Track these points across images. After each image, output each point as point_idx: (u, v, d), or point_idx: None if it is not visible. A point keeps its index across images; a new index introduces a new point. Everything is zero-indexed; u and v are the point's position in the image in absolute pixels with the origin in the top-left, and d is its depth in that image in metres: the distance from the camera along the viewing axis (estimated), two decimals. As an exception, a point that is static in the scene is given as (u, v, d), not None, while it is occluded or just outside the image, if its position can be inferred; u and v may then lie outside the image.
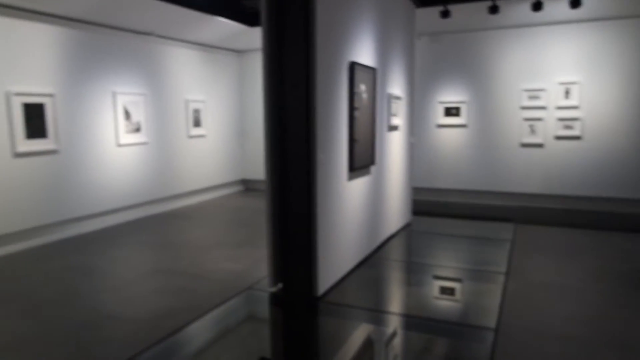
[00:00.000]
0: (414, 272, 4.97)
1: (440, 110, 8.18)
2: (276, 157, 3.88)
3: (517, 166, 7.78)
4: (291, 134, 3.84)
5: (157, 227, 6.71)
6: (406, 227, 6.49)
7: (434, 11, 6.80)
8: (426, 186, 8.38)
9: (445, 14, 6.97)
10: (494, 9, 6.77)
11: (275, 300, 3.98)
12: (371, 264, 4.96)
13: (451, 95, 8.09)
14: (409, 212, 6.71)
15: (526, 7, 6.65)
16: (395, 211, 6.06)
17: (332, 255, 4.14)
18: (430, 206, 8.13)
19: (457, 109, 8.06)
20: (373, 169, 5.12)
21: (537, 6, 6.50)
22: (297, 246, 3.93)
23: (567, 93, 7.35)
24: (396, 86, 5.82)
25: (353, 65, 4.34)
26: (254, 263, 4.90)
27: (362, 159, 4.71)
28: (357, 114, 4.50)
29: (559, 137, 7.48)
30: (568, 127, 7.40)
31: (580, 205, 7.46)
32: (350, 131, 4.40)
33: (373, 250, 5.24)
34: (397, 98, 5.80)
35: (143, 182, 7.18)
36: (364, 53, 4.69)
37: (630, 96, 7.02)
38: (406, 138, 6.40)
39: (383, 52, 5.29)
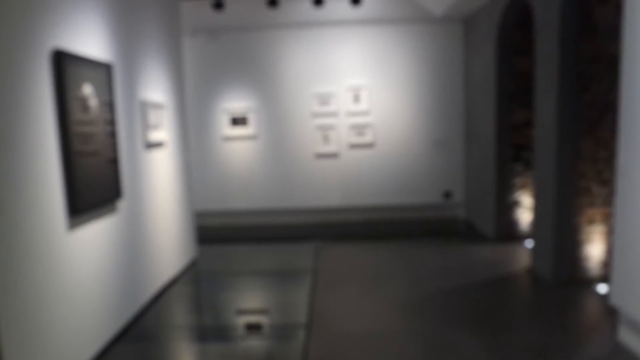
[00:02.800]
0: (189, 340, 3.66)
1: (225, 119, 7.03)
2: None
3: (313, 179, 7.09)
4: None
5: None
6: (190, 267, 5.14)
7: (206, 3, 5.62)
8: (215, 209, 7.15)
9: (218, 6, 5.84)
10: (272, 2, 5.90)
11: None
12: (134, 336, 3.49)
13: (237, 102, 7.01)
14: (192, 246, 5.36)
15: (307, 2, 5.93)
16: (171, 252, 4.66)
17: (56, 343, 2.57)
18: (222, 231, 6.93)
19: (244, 118, 7.01)
20: (122, 204, 3.65)
21: (317, 0, 5.83)
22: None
23: (356, 97, 6.92)
24: (154, 91, 4.43)
25: (60, 56, 2.83)
26: None
27: (96, 194, 3.21)
28: (79, 129, 3.00)
29: (353, 145, 7.01)
30: (360, 134, 6.98)
31: (378, 215, 7.11)
32: (66, 155, 2.88)
33: (136, 315, 3.76)
34: (157, 106, 4.42)
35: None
36: (87, 38, 3.20)
37: (415, 101, 6.90)
38: (179, 156, 5.04)
39: (127, 43, 3.85)
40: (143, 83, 4.17)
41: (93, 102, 3.21)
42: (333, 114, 6.95)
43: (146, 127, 4.14)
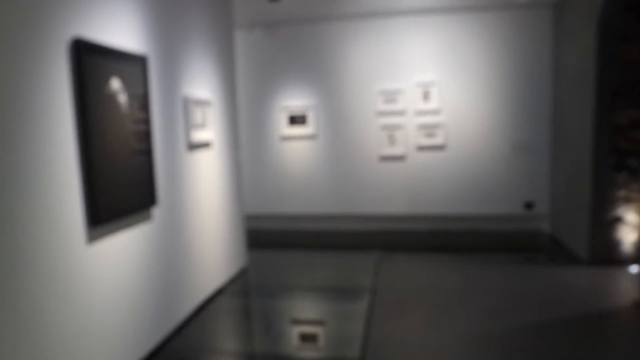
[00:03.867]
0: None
1: (283, 118, 6.61)
2: None
3: (376, 183, 6.49)
4: None
5: None
6: (238, 277, 4.75)
7: (261, -8, 5.21)
8: (270, 212, 6.76)
9: (275, -4, 5.40)
10: (334, -11, 5.37)
11: None
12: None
13: (295, 99, 6.57)
14: (242, 254, 4.97)
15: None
16: (215, 262, 4.28)
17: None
18: (277, 236, 6.52)
19: (303, 117, 6.55)
20: (158, 211, 3.28)
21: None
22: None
23: (426, 94, 6.23)
24: (200, 86, 4.05)
25: (81, 47, 2.48)
26: None
27: (124, 202, 2.85)
28: (104, 129, 2.65)
29: (421, 148, 6.33)
30: (430, 135, 6.28)
31: (448, 225, 6.39)
32: (86, 159, 2.52)
33: (170, 334, 3.39)
34: (203, 103, 4.04)
35: None
36: (116, 28, 2.84)
37: (494, 99, 6.10)
38: (228, 157, 4.66)
39: (168, 35, 3.49)
40: (187, 78, 3.79)
41: (122, 99, 2.85)
42: (400, 113, 6.32)
43: (189, 126, 3.76)
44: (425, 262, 5.19)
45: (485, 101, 6.11)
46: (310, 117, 6.52)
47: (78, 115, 2.49)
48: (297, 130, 6.57)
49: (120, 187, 2.81)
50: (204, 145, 4.09)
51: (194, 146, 3.88)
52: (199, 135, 3.94)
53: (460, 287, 4.34)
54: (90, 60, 2.55)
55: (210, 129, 4.16)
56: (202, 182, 4.03)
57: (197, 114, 3.93)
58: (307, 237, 6.48)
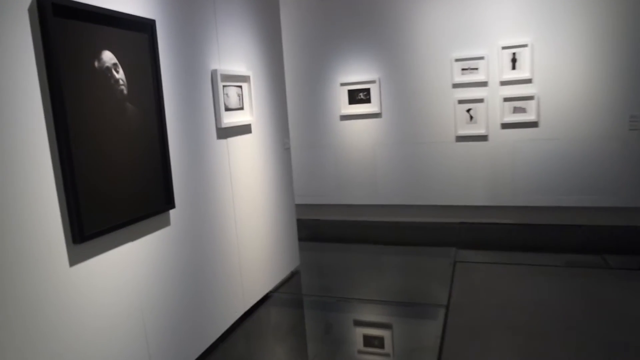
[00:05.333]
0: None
1: (343, 95, 5.80)
2: None
3: (453, 168, 5.54)
4: None
5: None
6: (287, 282, 4.11)
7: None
8: (329, 202, 6.04)
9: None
10: None
11: None
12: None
13: (357, 74, 5.73)
14: (291, 254, 4.30)
15: None
16: (258, 267, 3.64)
17: None
18: (338, 229, 5.81)
19: (367, 91, 5.70)
20: (175, 215, 2.66)
21: None
22: None
23: (514, 62, 5.15)
24: (236, 60, 3.36)
25: (49, 6, 1.84)
26: None
27: (123, 209, 2.23)
28: (92, 117, 2.03)
29: (507, 125, 5.28)
30: (519, 110, 5.21)
31: (540, 219, 5.33)
32: (65, 158, 1.91)
33: (201, 356, 2.81)
34: (239, 79, 3.35)
35: None
36: (108, -18, 2.19)
37: (602, 64, 4.89)
38: (274, 142, 3.97)
39: (187, -9, 2.81)
40: (216, 49, 3.11)
41: (119, 77, 2.20)
42: (481, 84, 5.29)
43: (219, 107, 3.09)
44: (512, 267, 4.24)
45: (593, 67, 4.91)
46: (374, 92, 5.66)
47: (53, 102, 1.88)
48: (359, 108, 5.74)
49: (119, 191, 2.19)
50: (241, 129, 3.41)
51: (226, 131, 3.21)
52: (233, 118, 3.27)
53: (566, 307, 3.38)
54: (67, 27, 1.91)
55: (248, 110, 3.47)
56: (238, 174, 3.37)
57: (231, 93, 3.24)
58: (370, 231, 5.71)
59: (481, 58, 5.22)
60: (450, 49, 5.33)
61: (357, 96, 5.72)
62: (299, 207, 6.06)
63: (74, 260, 1.99)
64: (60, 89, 1.89)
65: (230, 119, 3.22)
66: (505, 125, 5.27)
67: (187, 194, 2.77)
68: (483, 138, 5.37)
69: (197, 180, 2.89)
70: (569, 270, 4.07)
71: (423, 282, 4.13)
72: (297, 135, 5.99)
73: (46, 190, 1.86)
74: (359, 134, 5.82)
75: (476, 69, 5.27)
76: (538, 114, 5.11)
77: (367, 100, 5.69)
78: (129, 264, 2.30)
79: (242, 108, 3.39)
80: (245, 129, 3.47)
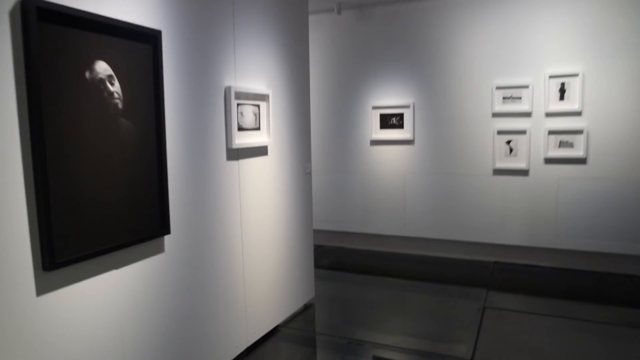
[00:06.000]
0: None
1: (375, 119, 5.53)
2: None
3: (488, 202, 5.14)
4: None
5: None
6: (298, 316, 3.82)
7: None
8: (357, 230, 5.73)
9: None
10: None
11: None
12: None
13: (390, 98, 5.46)
14: (306, 285, 4.01)
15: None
16: (267, 301, 3.37)
17: None
18: (361, 258, 5.48)
19: (400, 116, 5.42)
20: (170, 242, 2.44)
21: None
22: None
23: (562, 92, 4.75)
24: (254, 76, 3.16)
25: (33, 10, 1.68)
26: None
27: (108, 233, 2.02)
28: (76, 133, 1.85)
29: (551, 160, 4.86)
30: (565, 145, 4.79)
31: (583, 264, 4.84)
32: (40, 177, 1.73)
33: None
34: (256, 97, 3.14)
35: None
36: (108, -12, 2.03)
37: (662, 95, 4.44)
38: (293, 165, 3.73)
39: (198, 4, 2.64)
40: (232, 64, 2.92)
41: (113, 90, 2.02)
42: (524, 115, 4.91)
43: (232, 126, 2.89)
44: (551, 317, 3.79)
45: (649, 101, 4.47)
46: (407, 117, 5.36)
47: (30, 115, 1.71)
48: (391, 133, 5.46)
49: (102, 213, 1.99)
50: (255, 151, 3.20)
51: (238, 152, 3.00)
52: (247, 139, 3.05)
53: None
54: (53, 33, 1.75)
55: (265, 131, 3.26)
56: (249, 197, 3.14)
57: (247, 112, 3.04)
58: (395, 263, 5.35)
59: (525, 87, 4.85)
60: (492, 75, 4.99)
61: (390, 121, 5.44)
62: (322, 232, 5.79)
63: (42, 289, 1.79)
64: (39, 101, 1.71)
65: (243, 140, 3.01)
66: (549, 161, 4.85)
67: (186, 218, 2.56)
68: (524, 173, 4.96)
69: (200, 203, 2.67)
70: (626, 333, 3.59)
71: (447, 328, 3.75)
72: (324, 160, 5.77)
73: (15, 213, 1.68)
74: (389, 161, 5.52)
75: (519, 98, 4.90)
76: (587, 150, 4.68)
77: (400, 125, 5.41)
78: (110, 294, 2.09)
79: (258, 128, 3.18)
80: (260, 151, 3.25)
